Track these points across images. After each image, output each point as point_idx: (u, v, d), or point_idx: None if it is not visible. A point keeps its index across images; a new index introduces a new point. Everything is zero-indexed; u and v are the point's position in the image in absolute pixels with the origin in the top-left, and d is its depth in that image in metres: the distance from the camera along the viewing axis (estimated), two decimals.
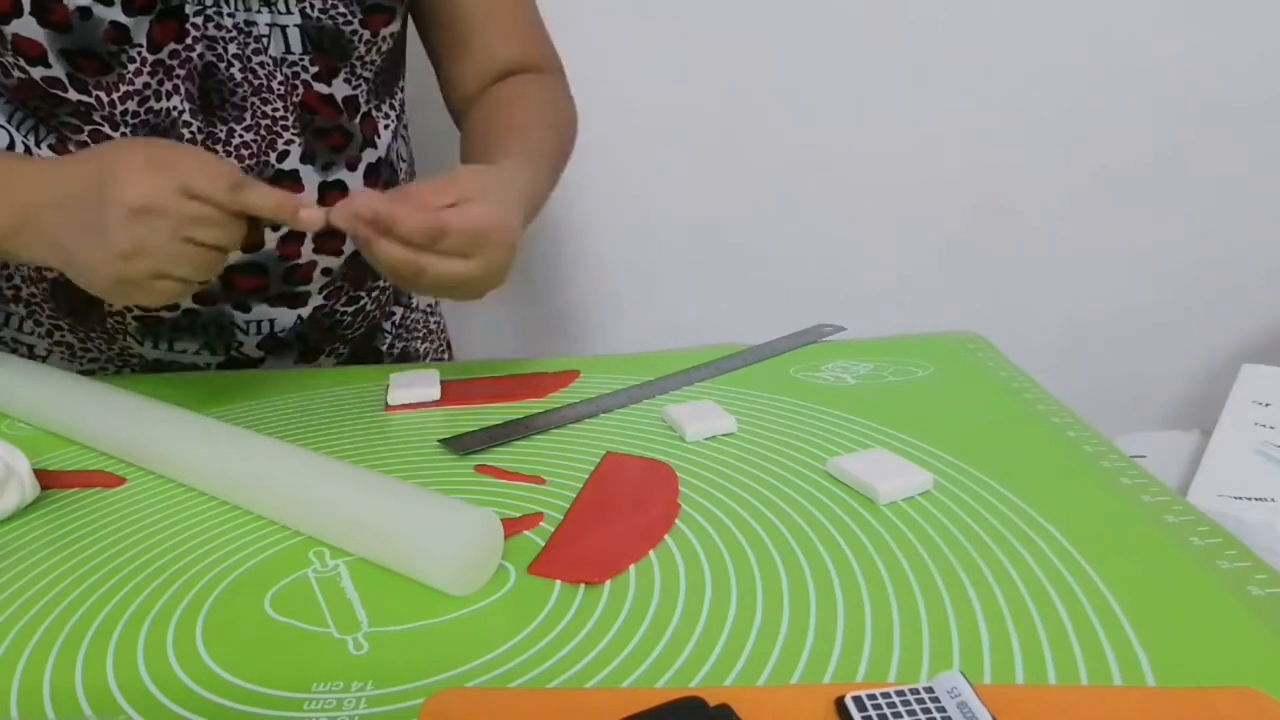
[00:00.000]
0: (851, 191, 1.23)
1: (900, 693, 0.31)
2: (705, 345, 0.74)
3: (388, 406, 0.63)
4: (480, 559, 0.40)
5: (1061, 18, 1.15)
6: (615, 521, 0.45)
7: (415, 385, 0.64)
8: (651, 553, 0.42)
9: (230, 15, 0.62)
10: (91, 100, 0.61)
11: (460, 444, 0.55)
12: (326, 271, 0.73)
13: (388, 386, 0.64)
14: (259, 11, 0.63)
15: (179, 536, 0.46)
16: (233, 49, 0.63)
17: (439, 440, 0.56)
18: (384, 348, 0.83)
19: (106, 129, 0.62)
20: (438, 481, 0.51)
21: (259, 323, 0.72)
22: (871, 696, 0.31)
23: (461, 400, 0.63)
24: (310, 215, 0.53)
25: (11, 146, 0.63)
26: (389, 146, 0.74)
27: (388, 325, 0.83)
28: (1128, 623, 0.36)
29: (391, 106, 0.74)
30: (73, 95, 0.61)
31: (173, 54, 0.61)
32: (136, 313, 0.70)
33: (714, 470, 0.51)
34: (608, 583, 0.40)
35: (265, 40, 0.64)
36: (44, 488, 0.50)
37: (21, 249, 0.54)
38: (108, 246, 0.49)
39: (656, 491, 0.49)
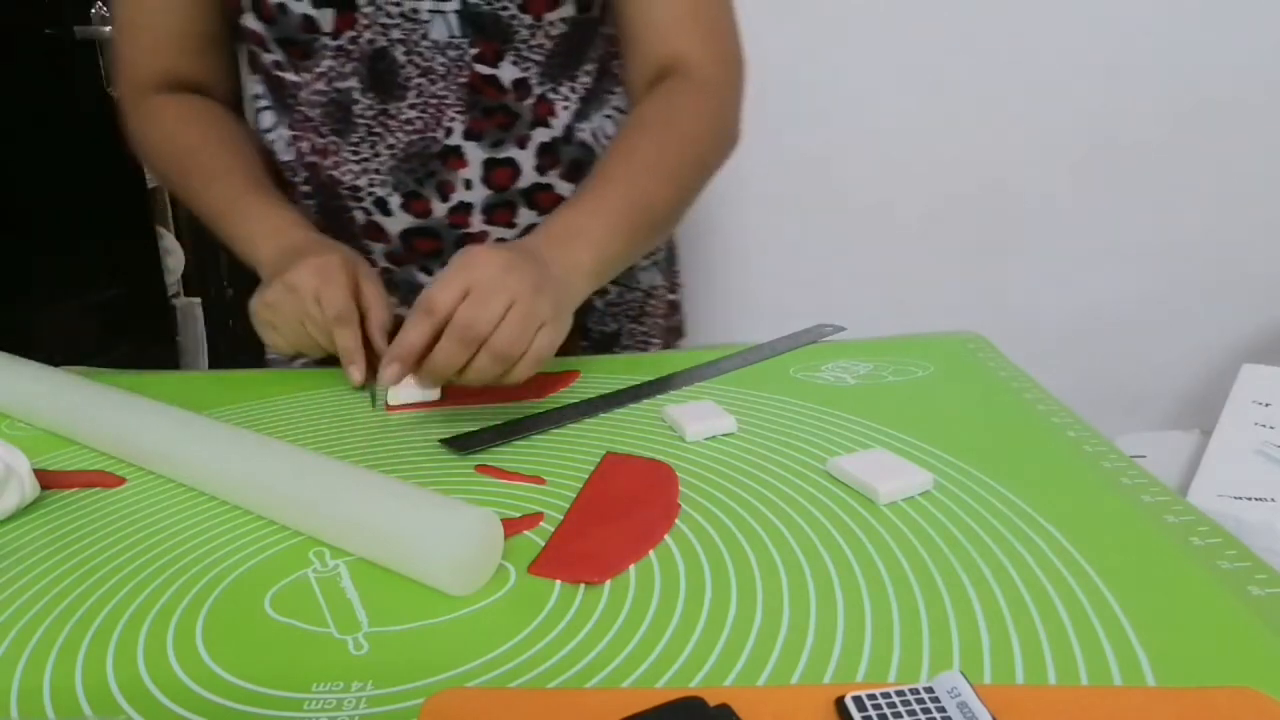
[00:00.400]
0: (852, 191, 1.23)
1: (900, 693, 0.31)
2: (705, 345, 0.74)
3: (388, 406, 0.63)
4: (480, 559, 0.40)
5: (1062, 18, 1.15)
6: (615, 521, 0.45)
7: (415, 385, 0.64)
8: (651, 553, 0.42)
9: (396, 4, 0.67)
10: (299, 80, 0.71)
11: (460, 444, 0.55)
12: (502, 241, 0.74)
13: (388, 387, 0.64)
14: None
15: (179, 536, 0.46)
16: (397, 34, 0.68)
17: (439, 440, 0.56)
18: (590, 324, 0.82)
19: (306, 110, 0.72)
20: (438, 481, 0.51)
21: None
22: (871, 696, 0.31)
23: (461, 400, 0.63)
24: (354, 375, 0.63)
25: (274, 130, 0.77)
26: (569, 127, 0.74)
27: (599, 303, 0.82)
28: (1128, 623, 0.36)
29: (573, 89, 0.74)
30: (289, 76, 0.72)
31: (351, 40, 0.68)
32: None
33: (714, 470, 0.51)
34: (608, 583, 0.40)
35: (427, 25, 0.68)
36: (44, 488, 0.50)
37: (254, 262, 0.70)
38: (264, 293, 0.65)
39: (656, 491, 0.49)
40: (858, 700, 0.30)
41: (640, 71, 0.74)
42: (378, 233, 0.74)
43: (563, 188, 0.75)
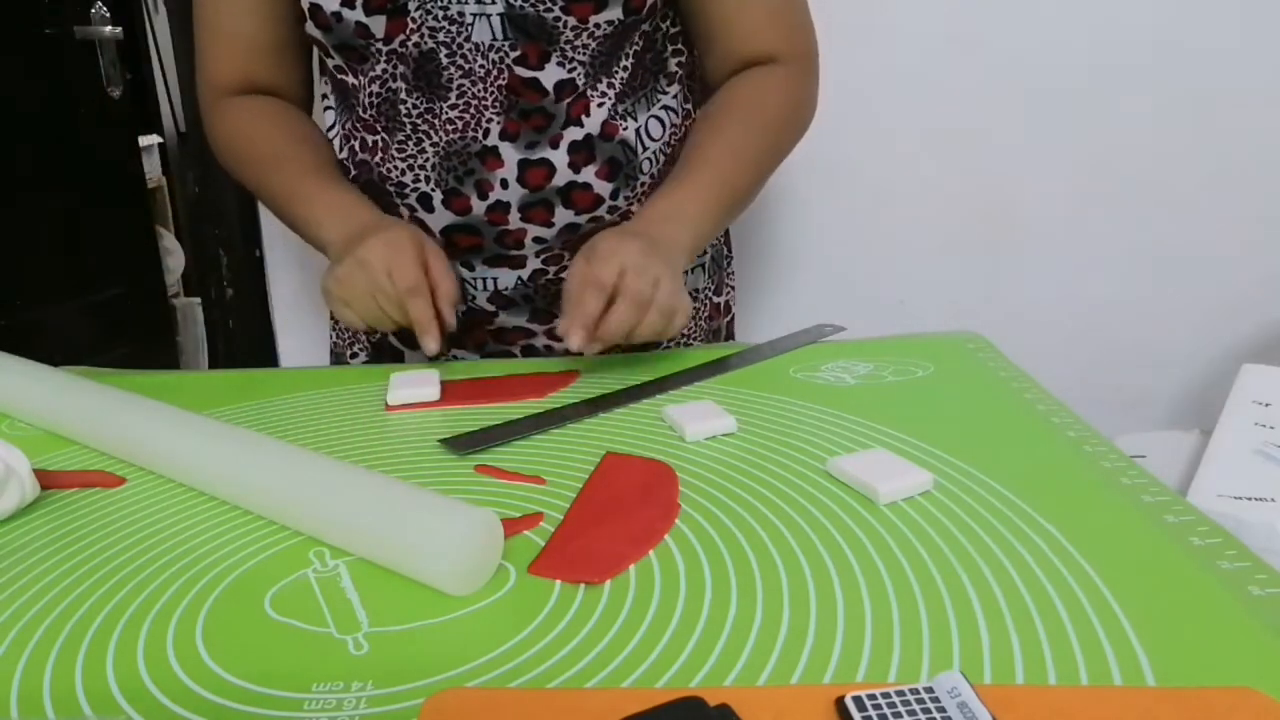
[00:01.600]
0: (852, 191, 1.23)
1: (900, 693, 0.31)
2: (705, 345, 0.74)
3: (388, 406, 0.63)
4: (480, 559, 0.40)
5: (1062, 18, 1.15)
6: (615, 521, 0.45)
7: (415, 385, 0.64)
8: (651, 553, 0.42)
9: (444, 8, 0.69)
10: (356, 83, 0.75)
11: (460, 444, 0.55)
12: (539, 240, 0.76)
13: (388, 387, 0.64)
14: (466, 2, 0.69)
15: (179, 536, 0.46)
16: (442, 36, 0.70)
17: (439, 440, 0.56)
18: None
19: (361, 111, 0.75)
20: (438, 481, 0.51)
21: (484, 279, 0.78)
22: (871, 696, 0.31)
23: (461, 400, 0.63)
24: (429, 345, 0.66)
25: (335, 127, 0.81)
26: (606, 124, 0.74)
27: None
28: (1128, 623, 0.36)
29: (610, 85, 0.74)
30: (349, 79, 0.75)
31: (401, 43, 0.70)
32: None
33: (714, 470, 0.51)
34: (608, 583, 0.40)
35: (470, 28, 0.69)
36: (44, 488, 0.50)
37: (321, 243, 0.74)
38: (335, 269, 0.68)
39: (656, 491, 0.49)
40: (858, 700, 0.30)
41: (722, 66, 0.78)
42: (421, 228, 0.75)
43: (600, 187, 0.75)
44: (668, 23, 0.78)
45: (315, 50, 0.79)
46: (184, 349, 2.10)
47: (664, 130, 0.78)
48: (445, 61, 0.70)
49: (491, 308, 0.79)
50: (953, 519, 0.44)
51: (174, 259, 2.15)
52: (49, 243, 1.72)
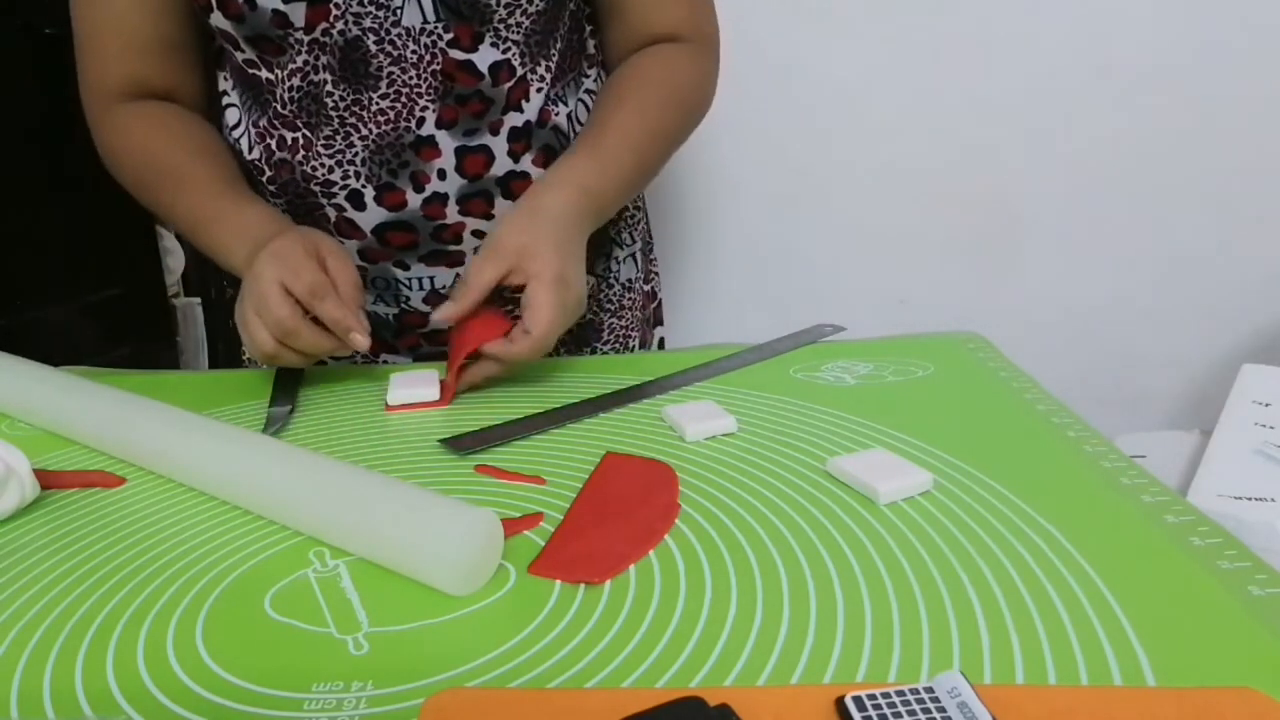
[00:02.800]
0: (851, 191, 1.23)
1: (900, 693, 0.31)
2: (705, 345, 0.74)
3: (388, 406, 0.63)
4: (480, 559, 0.40)
5: (1061, 17, 1.15)
6: (615, 521, 0.45)
7: (415, 385, 0.64)
8: (651, 553, 0.42)
9: None
10: (273, 77, 0.70)
11: (460, 444, 0.55)
12: (478, 234, 0.74)
13: (388, 387, 0.64)
14: None
15: (179, 536, 0.46)
16: (369, 22, 0.67)
17: (439, 440, 0.56)
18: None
19: (279, 106, 0.71)
20: (438, 481, 0.51)
21: (419, 279, 0.76)
22: (871, 696, 0.31)
23: (461, 400, 0.63)
24: (357, 341, 0.62)
25: (240, 126, 0.75)
26: (542, 110, 0.74)
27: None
28: (1128, 623, 0.36)
29: (548, 69, 0.74)
30: (263, 73, 0.70)
31: (323, 32, 0.67)
32: None
33: (714, 470, 0.51)
34: (608, 583, 0.40)
35: (399, 11, 0.67)
36: (44, 488, 0.50)
37: (233, 269, 0.70)
38: (239, 300, 0.65)
39: (656, 491, 0.49)
40: (858, 700, 0.30)
41: (625, 45, 0.78)
42: (350, 228, 0.73)
43: (537, 174, 0.74)
44: (582, 3, 0.78)
45: (217, 46, 0.74)
46: (184, 349, 2.10)
47: (588, 114, 0.78)
48: (374, 49, 0.67)
49: (427, 308, 0.77)
50: (953, 519, 0.44)
51: (174, 259, 2.15)
52: (49, 243, 1.71)
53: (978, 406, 0.59)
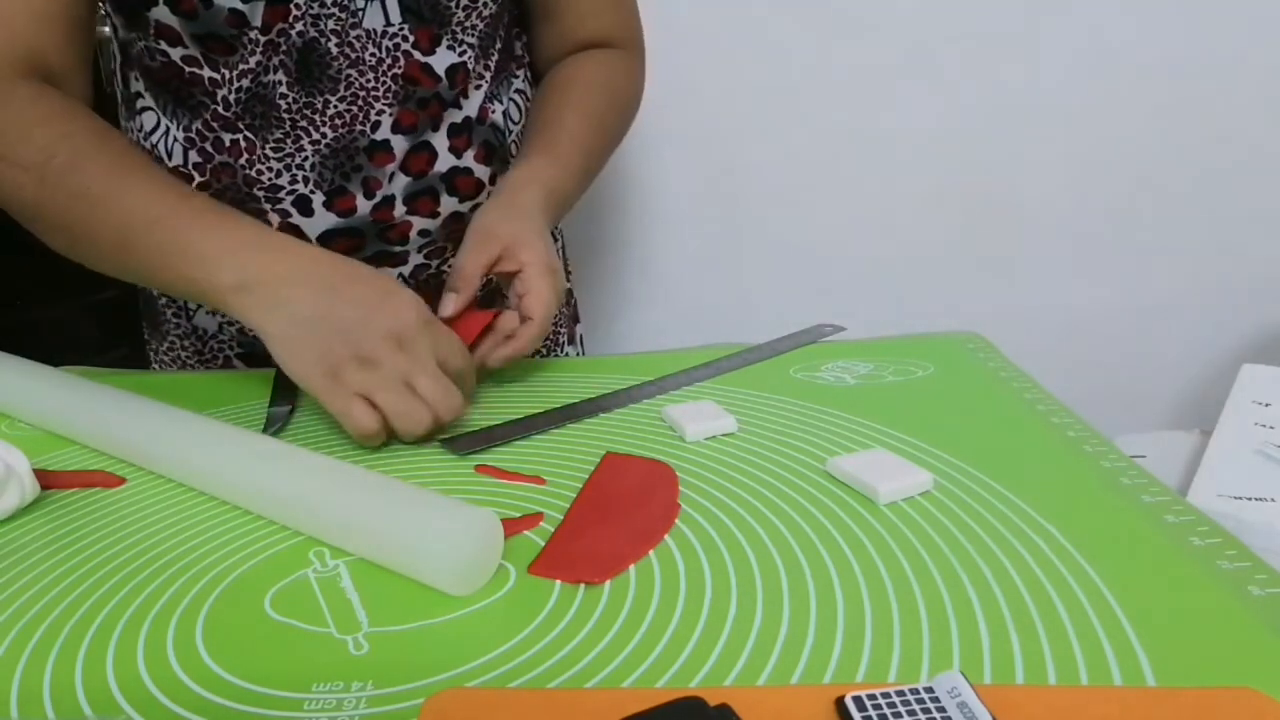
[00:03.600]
0: (851, 191, 1.23)
1: (900, 693, 0.31)
2: (705, 345, 0.74)
3: None
4: (480, 559, 0.40)
5: (1061, 18, 1.15)
6: (615, 521, 0.45)
7: None
8: (651, 553, 0.42)
9: None
10: (218, 77, 0.67)
11: (460, 444, 0.55)
12: (424, 233, 0.74)
13: None
14: None
15: (179, 536, 0.46)
16: (331, 24, 0.66)
17: (439, 440, 0.56)
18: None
19: (220, 108, 0.68)
20: (438, 481, 0.51)
21: None
22: (871, 696, 0.31)
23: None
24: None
25: (159, 130, 0.70)
26: (481, 107, 0.74)
27: (510, 294, 0.72)
28: (1128, 623, 0.36)
29: (486, 67, 0.73)
30: (206, 72, 0.66)
31: (280, 33, 0.65)
32: None
33: (714, 470, 0.51)
34: (608, 583, 0.40)
35: (361, 13, 0.66)
36: (44, 488, 0.50)
37: (237, 308, 0.56)
38: (350, 345, 0.54)
39: (656, 491, 0.49)
40: (858, 700, 0.30)
41: (557, 47, 0.79)
42: (294, 235, 0.67)
43: (480, 171, 0.74)
44: (513, 5, 0.79)
45: (124, 43, 0.69)
46: None
47: (520, 113, 0.79)
48: (334, 51, 0.66)
49: None
50: (953, 519, 0.44)
51: None
52: None
53: (978, 406, 0.59)
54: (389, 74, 0.68)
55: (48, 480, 0.52)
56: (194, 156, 0.69)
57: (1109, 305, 1.27)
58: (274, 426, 0.60)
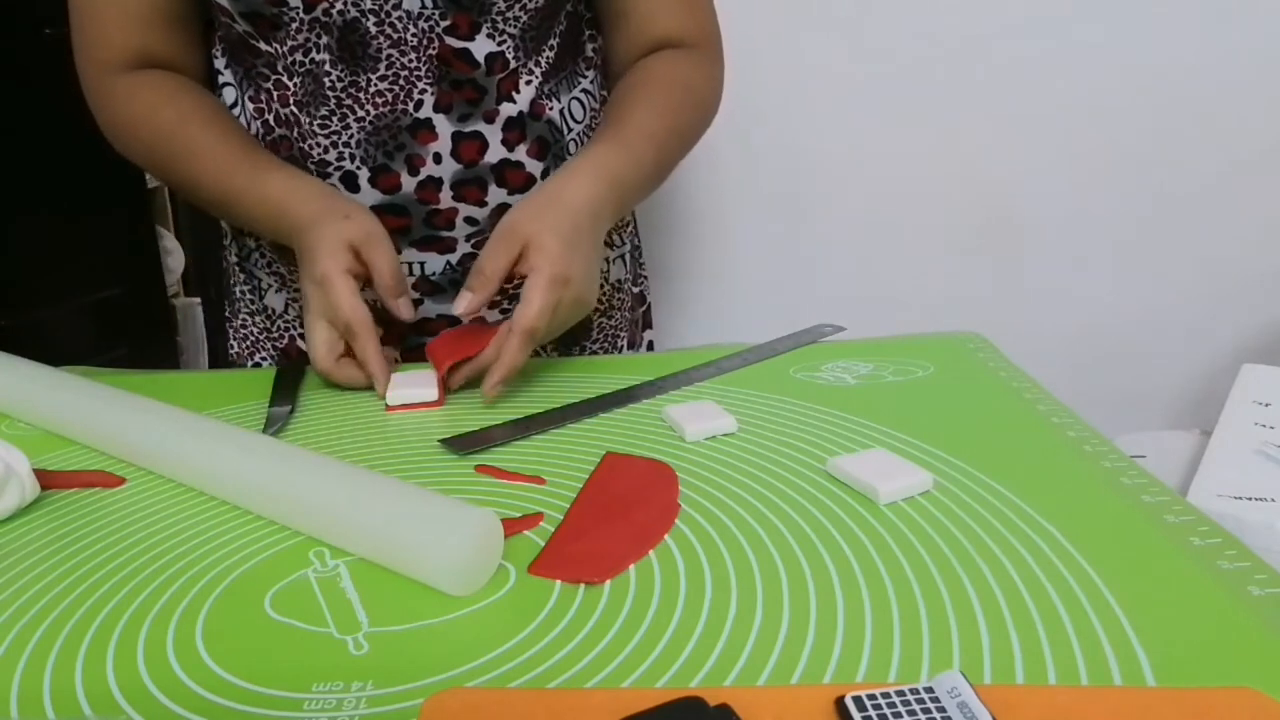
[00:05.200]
0: (852, 192, 1.23)
1: (900, 693, 0.31)
2: (705, 345, 0.74)
3: (388, 407, 0.63)
4: (480, 559, 0.40)
5: (1062, 21, 1.15)
6: (615, 521, 0.45)
7: (415, 385, 0.64)
8: (651, 553, 0.42)
9: None
10: (273, 51, 0.70)
11: (460, 444, 0.55)
12: (471, 220, 0.74)
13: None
14: None
15: (179, 536, 0.46)
16: (369, 4, 0.67)
17: (439, 440, 0.56)
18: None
19: (284, 78, 0.71)
20: (438, 481, 0.51)
21: (410, 264, 0.75)
22: (871, 696, 0.31)
23: (460, 399, 0.63)
24: (380, 384, 0.64)
25: (236, 106, 0.75)
26: (533, 102, 0.74)
27: None
28: (1128, 623, 0.36)
29: (536, 63, 0.74)
30: (264, 47, 0.70)
31: (324, 11, 0.67)
32: None
33: (714, 470, 0.51)
34: (608, 583, 0.40)
35: None
36: (44, 488, 0.50)
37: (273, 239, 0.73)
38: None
39: (656, 491, 0.49)
40: (858, 700, 0.30)
41: (628, 48, 0.78)
42: None
43: (532, 166, 0.74)
44: (583, 5, 0.78)
45: (210, 20, 0.74)
46: (184, 349, 2.10)
47: (584, 113, 0.79)
48: (374, 30, 0.67)
49: (416, 295, 0.77)
50: (953, 519, 0.44)
51: (174, 259, 2.15)
52: (49, 243, 1.71)
53: (978, 406, 0.59)
54: (426, 54, 0.69)
55: (48, 480, 0.52)
56: (257, 128, 0.74)
57: (1109, 305, 1.27)
58: (274, 426, 0.60)
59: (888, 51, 1.16)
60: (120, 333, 1.87)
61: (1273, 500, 0.78)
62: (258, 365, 0.84)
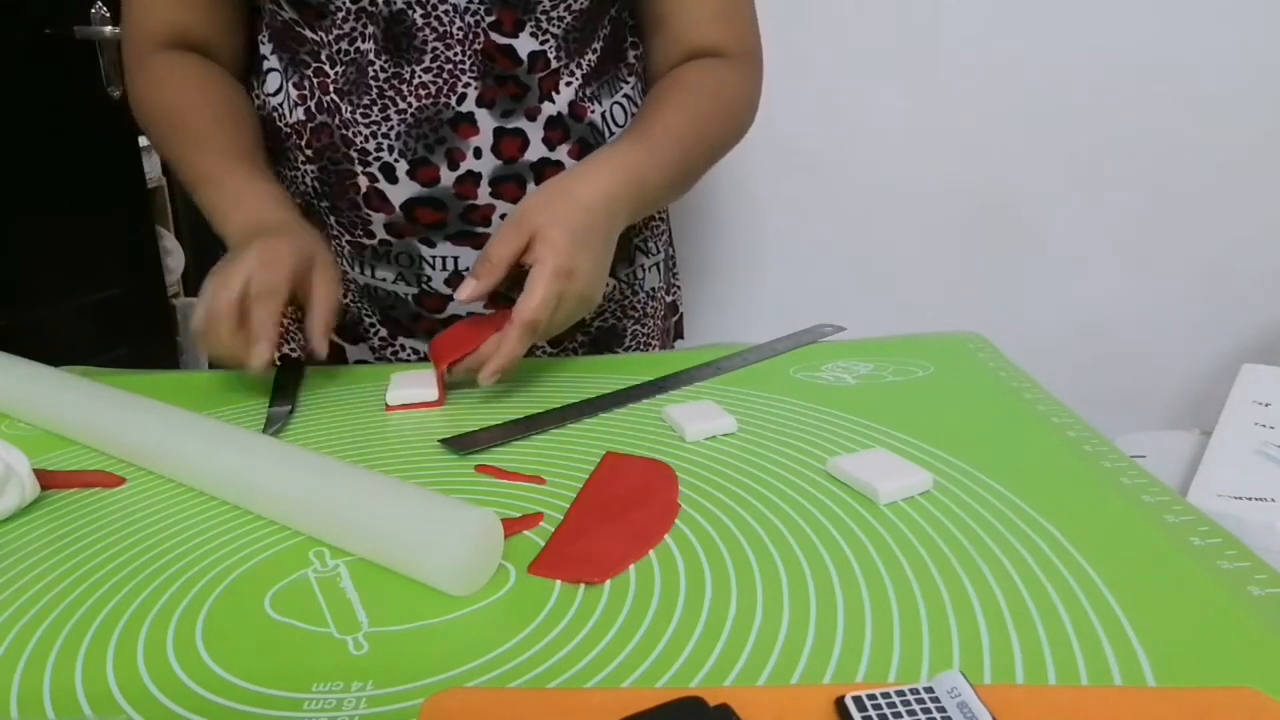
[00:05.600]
0: (852, 192, 1.23)
1: (900, 693, 0.31)
2: (705, 345, 0.74)
3: (388, 406, 0.63)
4: (480, 559, 0.40)
5: (1061, 20, 1.15)
6: (615, 521, 0.45)
7: (415, 385, 0.64)
8: (651, 553, 0.42)
9: None
10: (318, 39, 0.71)
11: (460, 444, 0.55)
12: (507, 217, 0.73)
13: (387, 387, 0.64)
14: None
15: (179, 536, 0.46)
16: None
17: (439, 440, 0.56)
18: (585, 317, 0.77)
19: (326, 66, 0.72)
20: (438, 481, 0.51)
21: (444, 259, 0.75)
22: (871, 696, 0.31)
23: (460, 398, 0.63)
24: (257, 354, 0.61)
25: (280, 92, 0.76)
26: (576, 105, 0.74)
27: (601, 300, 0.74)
28: (1128, 623, 0.36)
29: (579, 65, 0.74)
30: (307, 34, 0.71)
31: (371, 1, 0.67)
32: (347, 238, 0.77)
33: (714, 470, 0.51)
34: (608, 583, 0.40)
35: None
36: (44, 488, 0.50)
37: (223, 234, 0.71)
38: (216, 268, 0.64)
39: (656, 491, 0.49)
40: (858, 700, 0.30)
41: (666, 55, 0.78)
42: (380, 200, 0.73)
43: (571, 166, 0.73)
44: (626, 12, 0.78)
45: (257, 6, 0.75)
46: (184, 349, 2.10)
47: (625, 118, 0.78)
48: (420, 22, 0.68)
49: (448, 290, 0.76)
50: (953, 519, 0.44)
51: (174, 259, 2.15)
52: (49, 243, 1.72)
53: (978, 406, 0.59)
54: (471, 48, 0.69)
55: (48, 480, 0.52)
56: (300, 114, 0.74)
57: (1109, 305, 1.27)
58: (274, 426, 0.60)
59: (886, 51, 1.17)
60: (120, 333, 1.87)
61: (1273, 500, 0.78)
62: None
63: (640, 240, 0.84)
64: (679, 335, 0.95)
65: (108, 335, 1.85)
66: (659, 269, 0.87)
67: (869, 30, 1.15)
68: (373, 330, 0.81)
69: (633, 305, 0.84)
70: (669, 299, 0.91)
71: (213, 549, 0.45)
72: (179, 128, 0.73)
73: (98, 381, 0.62)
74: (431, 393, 0.63)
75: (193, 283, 2.05)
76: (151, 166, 2.13)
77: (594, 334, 0.83)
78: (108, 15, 1.72)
